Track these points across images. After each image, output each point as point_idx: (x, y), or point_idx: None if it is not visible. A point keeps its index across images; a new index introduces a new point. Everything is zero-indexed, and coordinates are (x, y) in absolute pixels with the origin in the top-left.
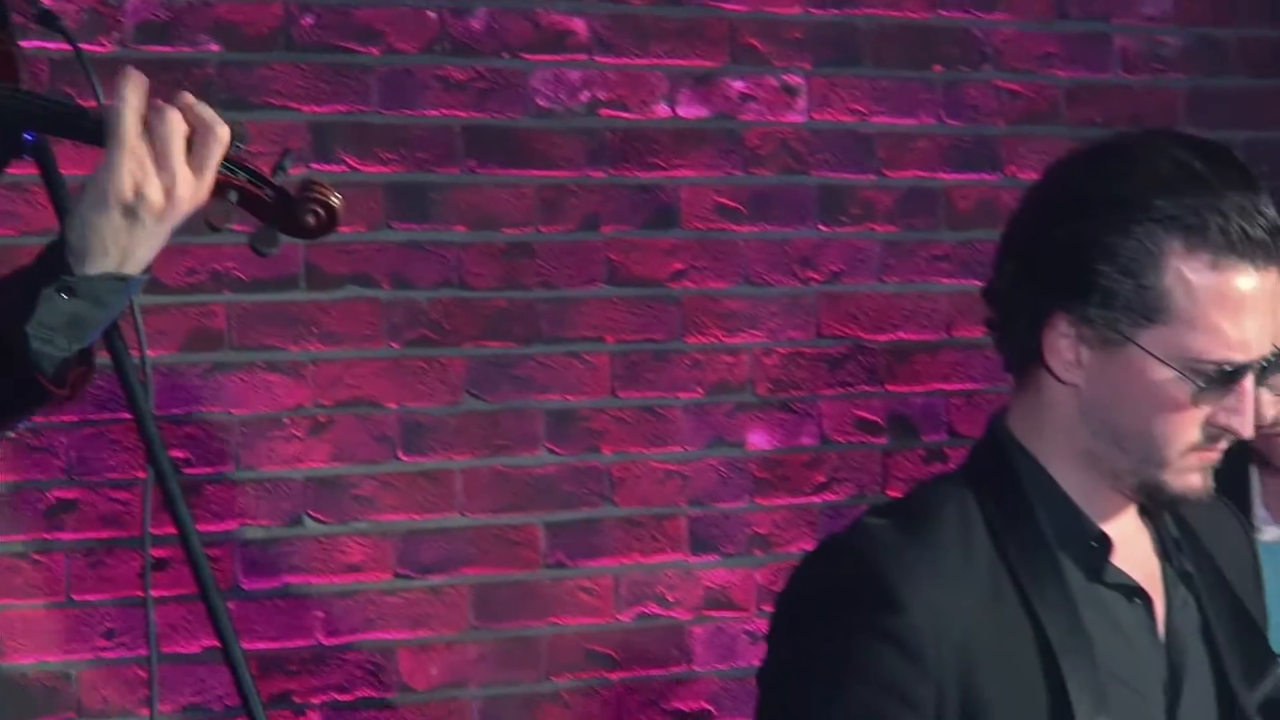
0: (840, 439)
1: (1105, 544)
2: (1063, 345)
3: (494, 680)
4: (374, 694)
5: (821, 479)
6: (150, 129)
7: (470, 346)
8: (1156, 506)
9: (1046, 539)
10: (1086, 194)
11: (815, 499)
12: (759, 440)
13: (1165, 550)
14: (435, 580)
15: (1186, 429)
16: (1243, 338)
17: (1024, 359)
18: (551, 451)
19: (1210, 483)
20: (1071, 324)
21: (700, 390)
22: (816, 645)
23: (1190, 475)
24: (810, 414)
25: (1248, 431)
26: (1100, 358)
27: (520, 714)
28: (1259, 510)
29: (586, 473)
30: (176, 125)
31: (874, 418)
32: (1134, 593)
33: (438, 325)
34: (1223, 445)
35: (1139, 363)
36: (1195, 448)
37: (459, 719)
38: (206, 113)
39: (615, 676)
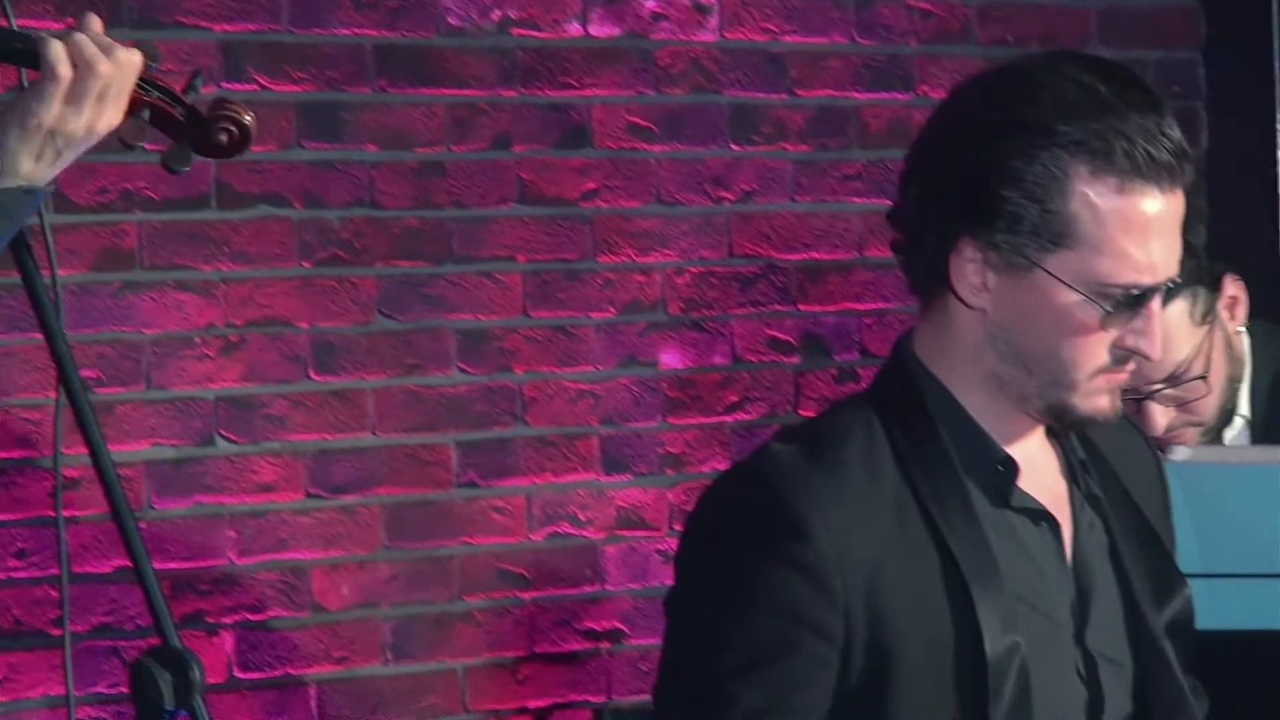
0: (752, 358)
1: (1011, 468)
2: (969, 270)
3: (406, 600)
4: (286, 614)
5: (734, 398)
6: (80, 66)
7: (382, 266)
8: (1064, 428)
9: (952, 463)
10: (991, 119)
11: (727, 418)
12: (671, 360)
13: (1072, 473)
14: (347, 500)
15: (1094, 352)
16: (1149, 260)
17: (930, 283)
18: (463, 371)
19: (1119, 404)
20: (977, 249)
21: (612, 310)
22: (723, 574)
23: (1098, 397)
24: (722, 333)
25: (1156, 353)
26: (1007, 282)
27: (432, 633)
28: None
29: (498, 392)
30: (106, 66)
31: (786, 337)
32: (1040, 516)
33: (349, 245)
34: (1130, 367)
35: (1046, 287)
36: (1103, 370)
37: (371, 638)
38: (121, 50)
39: (527, 596)
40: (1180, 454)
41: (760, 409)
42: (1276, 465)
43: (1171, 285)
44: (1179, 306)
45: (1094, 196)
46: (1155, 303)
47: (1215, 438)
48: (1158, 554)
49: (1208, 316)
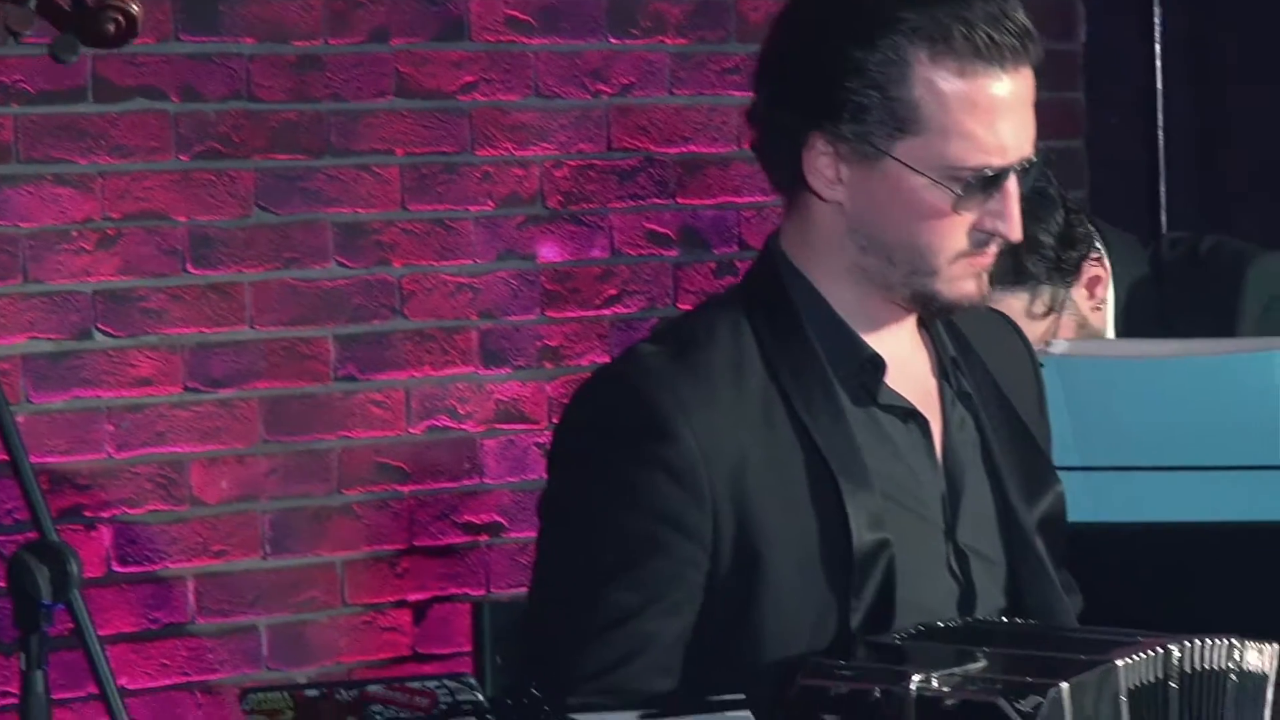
0: (631, 251)
1: (878, 365)
2: (822, 164)
3: (285, 493)
4: (164, 507)
5: (613, 292)
6: None
7: (259, 159)
8: (933, 315)
9: (819, 362)
10: (830, 11)
11: (606, 311)
12: (550, 253)
13: (944, 370)
14: (225, 394)
15: (952, 236)
16: (998, 142)
17: (788, 180)
18: (341, 265)
19: (986, 289)
20: (828, 142)
21: (491, 203)
22: (593, 476)
23: (963, 283)
24: (601, 226)
25: (1015, 234)
26: (860, 173)
27: (311, 527)
28: None
29: (376, 286)
30: None
31: (665, 230)
32: (909, 414)
33: (226, 138)
34: (993, 250)
35: (896, 175)
36: (963, 255)
37: (249, 532)
38: None
39: (406, 489)
40: (1059, 347)
41: (639, 302)
42: (1151, 359)
43: (1026, 166)
44: (1017, 303)
45: (936, 81)
46: (1011, 183)
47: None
48: (1030, 451)
49: (1052, 309)
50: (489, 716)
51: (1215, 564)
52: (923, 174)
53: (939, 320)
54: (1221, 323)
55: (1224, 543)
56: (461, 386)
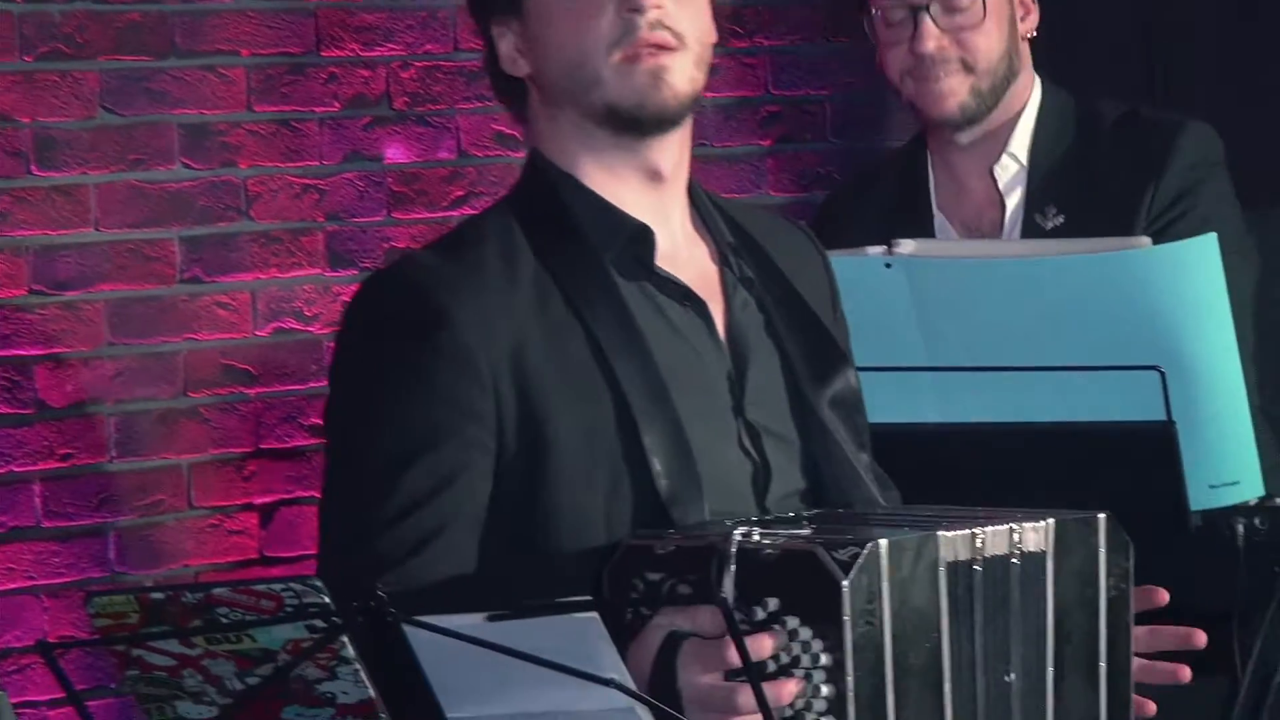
0: (478, 153)
1: (646, 235)
2: (505, 49)
3: (131, 396)
4: (10, 411)
5: (460, 193)
6: None
7: (104, 60)
8: (637, 127)
9: (588, 243)
10: None
11: (453, 213)
12: (396, 154)
13: (724, 257)
14: (70, 296)
15: (596, 30)
16: None
17: (505, 89)
18: (187, 166)
19: (672, 85)
20: (502, 26)
21: (337, 104)
22: (374, 370)
23: (633, 80)
24: (448, 128)
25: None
26: (522, 32)
27: (157, 430)
28: (936, 216)
29: (222, 187)
30: None
31: (512, 132)
32: (686, 295)
33: (70, 39)
34: (647, 35)
35: (539, 7)
36: (613, 44)
37: (95, 436)
38: None
39: (253, 392)
40: (906, 248)
41: (486, 203)
42: (1001, 259)
43: None
44: None
45: None
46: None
47: (987, 106)
48: (817, 333)
49: None
50: (335, 619)
51: (1063, 464)
52: None
53: (715, 211)
54: (1145, 179)
55: (1073, 443)
56: (308, 289)
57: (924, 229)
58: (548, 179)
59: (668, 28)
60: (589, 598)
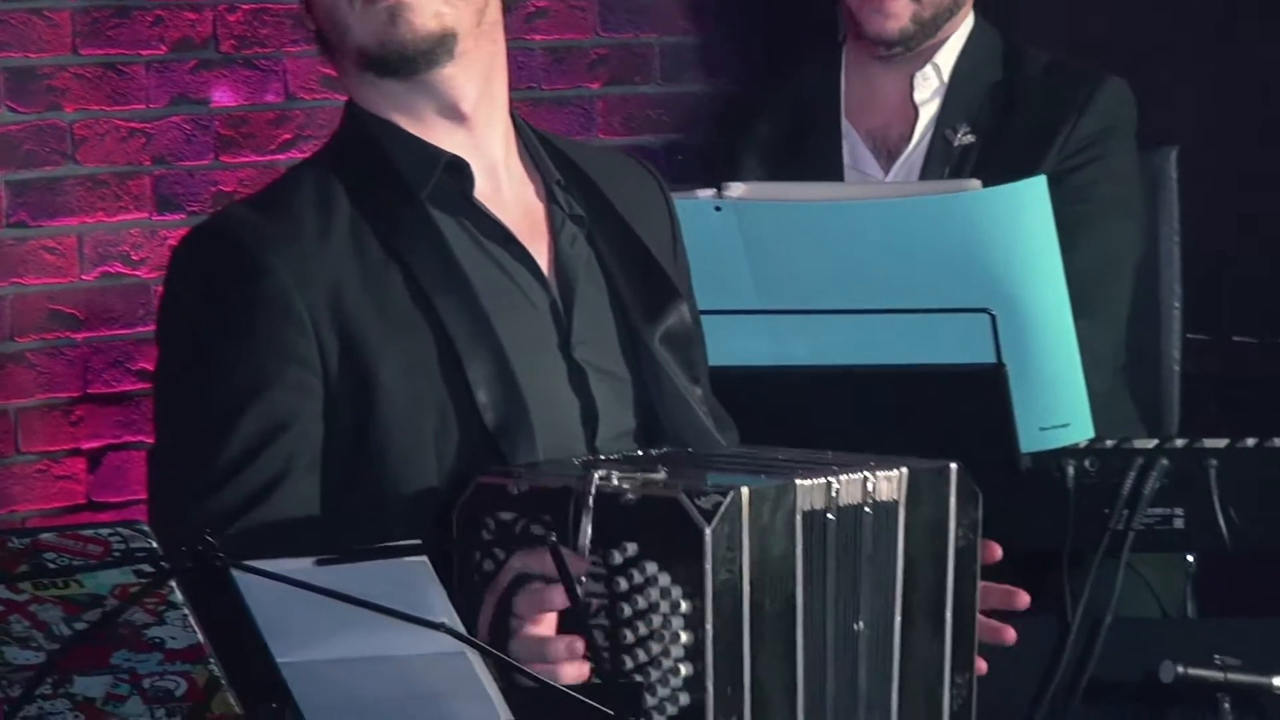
0: (306, 96)
1: (460, 167)
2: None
3: None
4: None
5: (288, 136)
6: None
7: None
8: (385, 66)
9: (404, 181)
10: None
11: (281, 156)
12: (224, 98)
13: (551, 194)
14: None
15: None
16: None
17: (315, 38)
18: (12, 110)
19: (410, 22)
20: None
21: (164, 47)
22: (195, 324)
23: (373, 21)
24: (275, 71)
25: None
26: None
27: None
28: (844, 124)
29: (48, 131)
30: None
31: None
32: (505, 236)
33: None
34: None
35: None
36: None
37: None
38: None
39: (80, 337)
40: (735, 190)
41: (314, 146)
42: (832, 201)
43: None
44: None
45: None
46: None
47: (925, 35)
48: (649, 270)
49: None
50: (163, 564)
51: (893, 407)
52: None
53: (544, 149)
54: (1062, 120)
55: (903, 385)
56: (135, 233)
57: (830, 137)
58: (360, 124)
59: None
60: (418, 541)
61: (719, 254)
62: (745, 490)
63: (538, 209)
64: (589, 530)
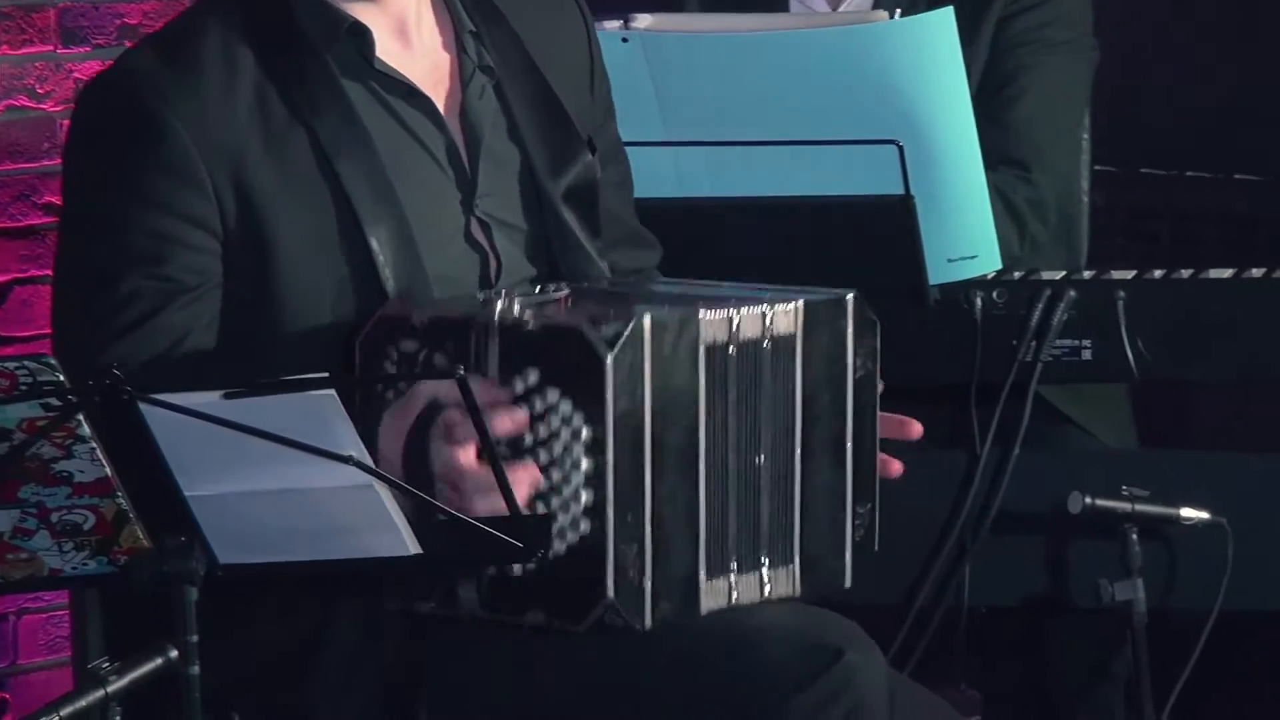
0: None
1: (362, 32)
2: None
3: None
4: None
5: None
6: None
7: None
8: None
9: (308, 40)
10: None
11: None
12: None
13: (462, 44)
14: None
15: None
16: None
17: None
18: None
19: None
20: None
21: None
22: (98, 180)
23: None
24: None
25: None
26: None
27: None
28: None
29: None
30: None
31: None
32: (410, 91)
33: None
34: None
35: None
36: None
37: None
38: None
39: None
40: (643, 22)
41: None
42: (739, 33)
43: None
44: None
45: None
46: None
47: None
48: (558, 122)
49: None
50: (70, 397)
51: (803, 238)
52: None
53: None
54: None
55: (811, 217)
56: (40, 66)
57: None
58: None
59: None
60: (325, 375)
61: (626, 85)
62: (647, 319)
63: (446, 60)
64: (497, 358)
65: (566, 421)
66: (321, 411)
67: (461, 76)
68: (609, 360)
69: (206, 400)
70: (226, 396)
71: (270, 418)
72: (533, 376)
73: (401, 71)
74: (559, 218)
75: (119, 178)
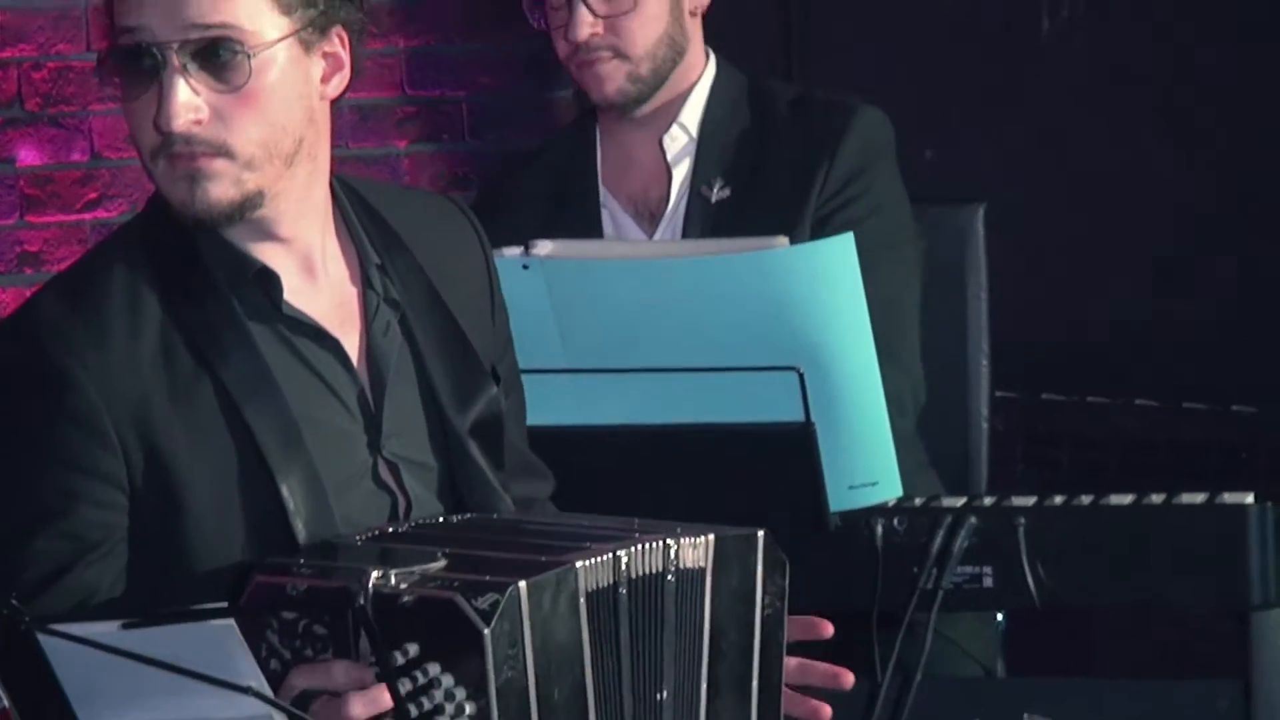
0: (112, 155)
1: (270, 277)
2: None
3: None
4: None
5: (93, 195)
6: None
7: None
8: (193, 223)
9: (216, 285)
10: None
11: (87, 216)
12: (29, 157)
13: (368, 278)
14: None
15: (139, 132)
16: (137, 22)
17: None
18: None
19: (206, 195)
20: None
21: None
22: (2, 433)
23: (174, 186)
24: (81, 130)
25: (168, 125)
26: None
27: None
28: (601, 193)
29: None
30: None
31: None
32: (318, 333)
33: None
34: (187, 151)
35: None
36: (156, 152)
37: None
38: None
39: None
40: (543, 249)
41: (120, 206)
42: (637, 259)
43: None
44: None
45: None
46: (166, 75)
47: (650, 88)
48: (462, 355)
49: None
50: None
51: (703, 465)
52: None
53: (363, 223)
54: (818, 159)
55: (712, 444)
56: None
57: (589, 207)
58: (171, 216)
59: (205, 140)
60: (224, 604)
61: (527, 312)
62: (523, 585)
63: (352, 295)
64: (369, 633)
65: (450, 696)
66: (222, 641)
67: (365, 312)
68: (487, 633)
69: (105, 630)
70: (125, 627)
71: (171, 647)
72: (412, 649)
73: (307, 310)
74: (465, 452)
75: (25, 433)
